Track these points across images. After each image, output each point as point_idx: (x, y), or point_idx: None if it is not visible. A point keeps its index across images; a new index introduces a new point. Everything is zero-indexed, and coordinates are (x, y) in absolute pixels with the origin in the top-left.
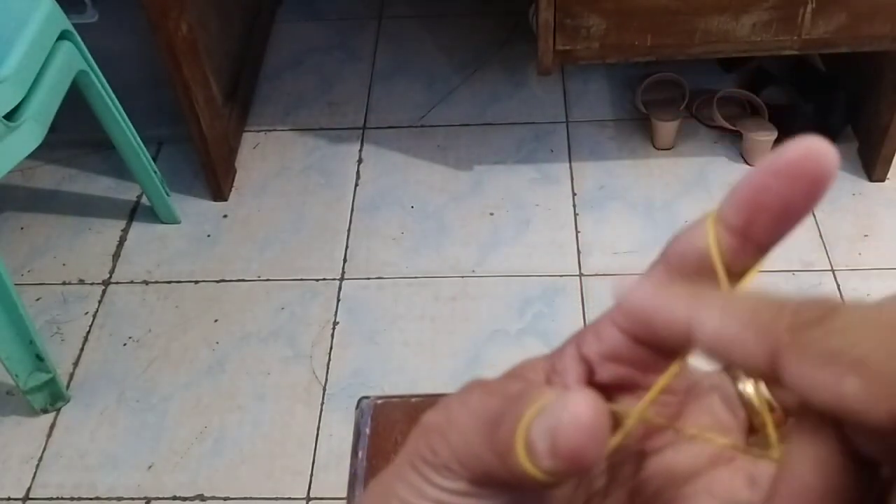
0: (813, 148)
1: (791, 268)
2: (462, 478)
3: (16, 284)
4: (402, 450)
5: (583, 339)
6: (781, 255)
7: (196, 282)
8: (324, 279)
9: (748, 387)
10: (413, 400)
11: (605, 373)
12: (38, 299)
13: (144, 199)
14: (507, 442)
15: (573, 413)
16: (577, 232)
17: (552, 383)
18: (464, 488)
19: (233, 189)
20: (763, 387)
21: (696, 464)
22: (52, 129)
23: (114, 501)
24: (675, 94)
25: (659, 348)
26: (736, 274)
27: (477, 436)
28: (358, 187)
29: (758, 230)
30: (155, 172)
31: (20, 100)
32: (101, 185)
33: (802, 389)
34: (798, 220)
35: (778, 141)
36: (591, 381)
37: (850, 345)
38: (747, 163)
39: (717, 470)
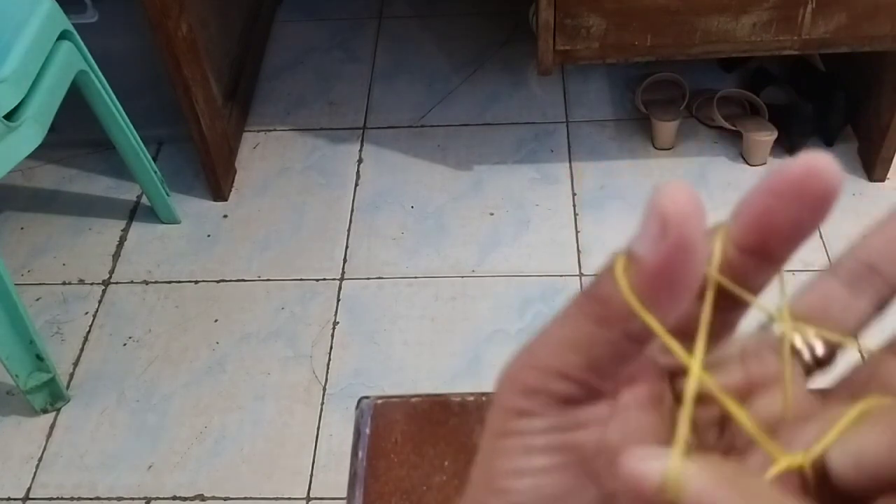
0: (814, 165)
1: (790, 268)
2: (568, 401)
3: (16, 284)
4: (482, 440)
5: None
6: None
7: (196, 282)
8: (324, 279)
9: (790, 335)
10: (413, 400)
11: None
12: (38, 299)
13: (144, 199)
14: (607, 286)
15: (672, 187)
16: (577, 232)
17: None
18: (571, 419)
19: (233, 189)
20: (799, 337)
21: (777, 410)
22: (52, 129)
23: (114, 501)
24: (675, 94)
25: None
26: (751, 287)
27: (572, 324)
28: (358, 187)
29: (770, 249)
30: (155, 172)
31: (20, 100)
32: (101, 185)
33: None
34: (809, 234)
35: (778, 141)
36: None
37: None
38: (747, 163)
39: (798, 410)
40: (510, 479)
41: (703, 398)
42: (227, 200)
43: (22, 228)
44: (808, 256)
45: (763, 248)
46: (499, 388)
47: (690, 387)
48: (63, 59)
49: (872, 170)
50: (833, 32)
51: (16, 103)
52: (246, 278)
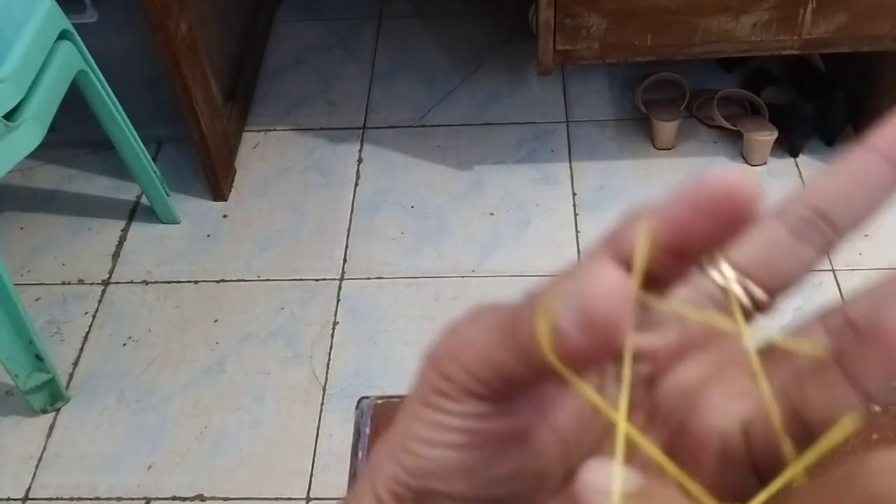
0: (730, 186)
1: None
2: (482, 398)
3: (15, 284)
4: (410, 393)
5: None
6: None
7: (196, 282)
8: (324, 279)
9: (723, 280)
10: None
11: None
12: (37, 299)
13: (144, 199)
14: (529, 334)
15: (603, 278)
16: (577, 232)
17: None
18: (485, 409)
19: (232, 189)
20: (732, 278)
21: (704, 372)
22: (52, 129)
23: (113, 502)
24: (675, 94)
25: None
26: (674, 275)
27: (493, 344)
28: (358, 187)
29: (688, 254)
30: (154, 172)
31: (20, 100)
32: (101, 185)
33: None
34: (727, 243)
35: (778, 141)
36: None
37: None
38: (748, 163)
39: (726, 371)
40: (422, 445)
41: (633, 356)
42: (226, 200)
43: (21, 228)
44: None
45: (680, 252)
46: (426, 359)
47: (619, 441)
48: (63, 59)
49: None
50: (833, 32)
51: (15, 103)
52: (246, 278)
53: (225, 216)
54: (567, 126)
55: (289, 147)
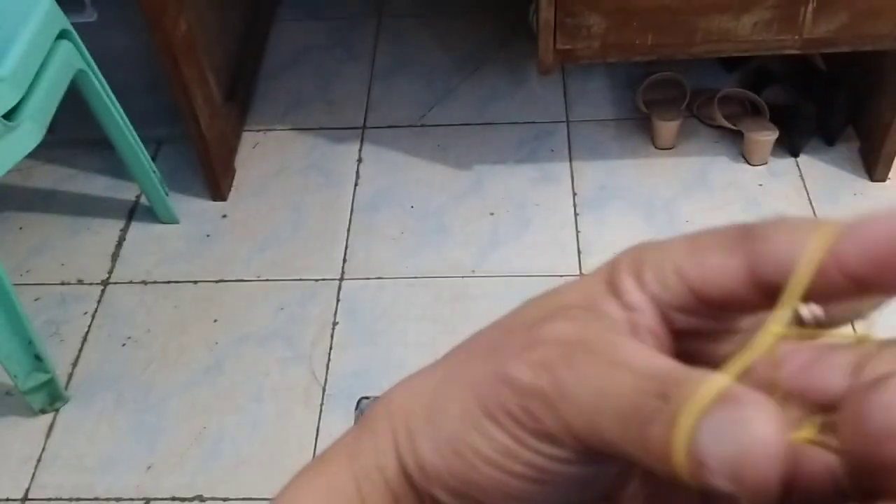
0: None
1: None
2: (570, 448)
3: (14, 284)
4: (468, 389)
5: (642, 277)
6: None
7: (195, 282)
8: (323, 279)
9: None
10: None
11: (679, 321)
12: (36, 299)
13: (143, 199)
14: (663, 444)
15: (762, 441)
16: (577, 232)
17: (634, 324)
18: (567, 456)
19: (232, 189)
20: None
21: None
22: (51, 128)
23: (112, 502)
24: (675, 94)
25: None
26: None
27: (610, 423)
28: (357, 187)
29: (879, 287)
30: (154, 172)
31: (19, 99)
32: (100, 185)
33: None
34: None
35: (779, 140)
36: (668, 327)
37: None
38: (748, 162)
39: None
40: (480, 460)
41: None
42: (226, 200)
43: (20, 228)
44: None
45: (872, 283)
46: (496, 379)
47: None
48: (62, 59)
49: (874, 170)
50: (834, 32)
51: (14, 103)
52: (245, 278)
53: (224, 216)
54: (567, 126)
55: (288, 147)
